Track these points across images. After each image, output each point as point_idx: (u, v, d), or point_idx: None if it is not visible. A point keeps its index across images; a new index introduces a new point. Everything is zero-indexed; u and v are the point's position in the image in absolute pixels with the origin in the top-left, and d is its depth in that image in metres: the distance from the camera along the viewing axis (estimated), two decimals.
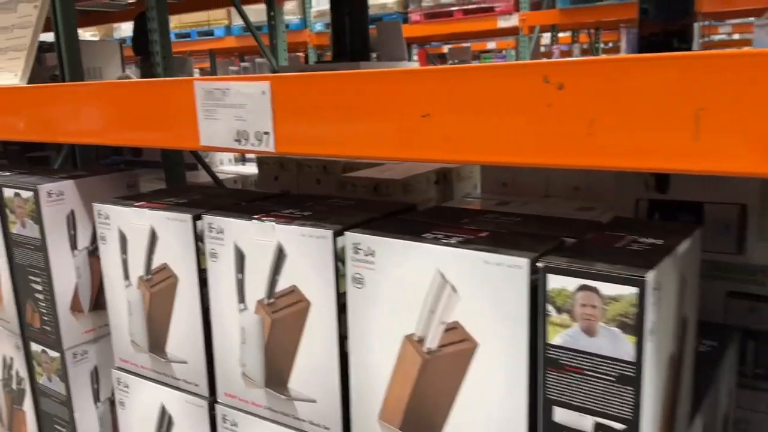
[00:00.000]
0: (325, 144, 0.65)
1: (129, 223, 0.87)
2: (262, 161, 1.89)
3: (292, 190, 2.38)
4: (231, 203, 0.85)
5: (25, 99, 0.92)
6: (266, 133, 0.71)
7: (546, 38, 5.21)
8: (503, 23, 3.90)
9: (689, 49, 0.75)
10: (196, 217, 0.81)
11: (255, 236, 0.75)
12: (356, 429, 0.72)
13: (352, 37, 2.00)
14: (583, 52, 5.19)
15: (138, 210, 0.85)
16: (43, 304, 0.99)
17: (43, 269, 0.97)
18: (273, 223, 0.74)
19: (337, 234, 0.70)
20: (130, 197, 0.92)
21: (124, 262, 0.89)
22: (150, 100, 0.78)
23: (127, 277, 0.89)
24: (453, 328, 0.62)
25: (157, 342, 0.89)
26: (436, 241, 0.63)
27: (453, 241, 0.62)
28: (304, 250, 0.72)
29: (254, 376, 0.79)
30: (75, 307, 1.00)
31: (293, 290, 0.74)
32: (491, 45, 6.73)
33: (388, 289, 0.66)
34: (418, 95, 0.57)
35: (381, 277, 0.66)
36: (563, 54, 4.79)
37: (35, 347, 1.04)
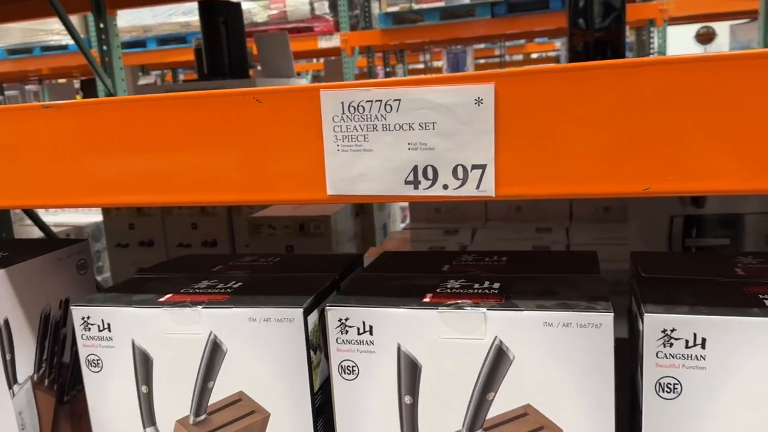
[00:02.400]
0: (604, 178, 0.41)
1: (160, 335, 0.51)
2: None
3: (157, 240, 1.95)
4: (323, 279, 0.55)
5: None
6: (479, 167, 0.44)
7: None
8: (324, 44, 3.73)
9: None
10: (308, 311, 0.50)
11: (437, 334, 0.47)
12: None
13: (230, 51, 1.68)
14: (390, 74, 5.24)
15: (184, 311, 0.51)
16: None
17: None
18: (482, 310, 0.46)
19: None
20: (129, 288, 0.56)
21: (146, 399, 0.53)
22: (215, 121, 0.46)
23: (151, 422, 0.54)
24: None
25: None
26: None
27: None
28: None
29: None
30: None
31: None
32: None
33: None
34: None
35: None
36: (390, 74, 4.78)
37: None
